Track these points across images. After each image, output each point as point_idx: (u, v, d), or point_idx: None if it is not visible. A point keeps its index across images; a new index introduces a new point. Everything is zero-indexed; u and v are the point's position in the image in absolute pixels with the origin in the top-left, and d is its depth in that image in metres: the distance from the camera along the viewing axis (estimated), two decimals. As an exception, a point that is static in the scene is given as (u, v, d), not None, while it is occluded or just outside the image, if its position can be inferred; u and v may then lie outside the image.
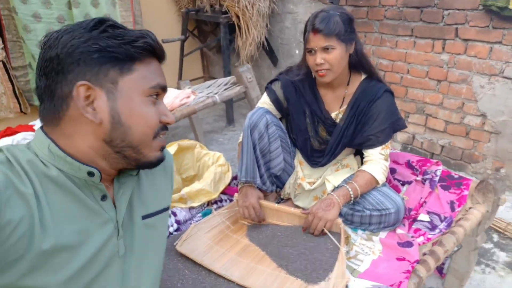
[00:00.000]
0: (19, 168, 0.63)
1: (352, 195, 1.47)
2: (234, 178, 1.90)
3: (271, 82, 1.66)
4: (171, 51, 3.77)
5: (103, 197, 0.72)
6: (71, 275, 0.66)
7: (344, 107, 1.55)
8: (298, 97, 1.59)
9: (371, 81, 1.53)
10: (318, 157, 1.65)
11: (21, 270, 0.60)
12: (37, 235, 0.61)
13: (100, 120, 0.66)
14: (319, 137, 1.61)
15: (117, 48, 0.65)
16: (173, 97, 2.26)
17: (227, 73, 3.38)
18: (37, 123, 2.40)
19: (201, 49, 4.01)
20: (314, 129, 1.61)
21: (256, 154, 1.56)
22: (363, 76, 1.55)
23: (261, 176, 1.61)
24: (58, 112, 0.67)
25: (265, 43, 3.55)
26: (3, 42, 2.70)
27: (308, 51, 1.44)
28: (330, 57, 1.39)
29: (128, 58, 0.67)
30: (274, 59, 3.76)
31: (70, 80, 0.65)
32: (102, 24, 0.66)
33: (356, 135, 1.53)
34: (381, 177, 1.50)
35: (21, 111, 2.89)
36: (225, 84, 2.69)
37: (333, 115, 1.57)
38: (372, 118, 1.50)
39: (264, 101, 1.67)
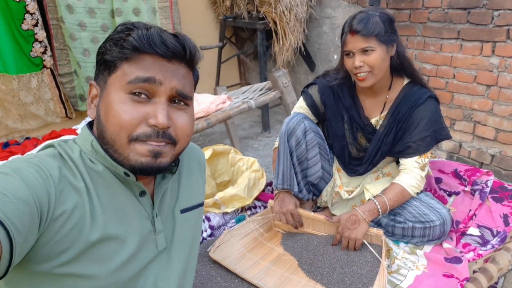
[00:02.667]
0: (71, 163, 0.67)
1: (380, 211, 1.38)
2: (269, 184, 1.87)
3: (308, 86, 1.61)
4: (209, 58, 3.81)
5: (141, 193, 0.75)
6: (118, 266, 0.69)
7: (385, 113, 1.47)
8: (336, 102, 1.52)
9: (414, 86, 1.43)
10: (356, 165, 1.57)
11: (65, 259, 0.62)
12: (87, 226, 0.64)
13: (93, 116, 0.71)
14: (358, 144, 1.54)
15: (108, 49, 0.68)
16: (209, 103, 2.27)
17: (264, 79, 3.36)
18: (79, 127, 2.48)
19: (238, 55, 4.03)
20: (352, 135, 1.53)
21: (293, 161, 1.51)
22: (406, 81, 1.46)
23: (297, 184, 1.56)
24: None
25: (303, 49, 3.51)
26: (51, 50, 2.84)
27: (346, 53, 1.36)
28: (369, 59, 1.31)
29: (115, 58, 0.67)
30: (311, 65, 3.70)
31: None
32: (119, 27, 0.70)
33: (396, 143, 1.45)
34: (413, 189, 1.41)
35: (67, 116, 3.01)
36: (261, 90, 2.66)
37: (373, 121, 1.49)
38: (413, 125, 1.40)
39: (300, 106, 1.62)
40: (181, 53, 0.69)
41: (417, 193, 1.44)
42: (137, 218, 0.73)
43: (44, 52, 2.76)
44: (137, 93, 0.66)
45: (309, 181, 1.61)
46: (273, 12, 3.23)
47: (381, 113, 1.48)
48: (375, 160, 1.51)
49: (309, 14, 3.43)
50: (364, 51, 1.31)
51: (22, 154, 2.09)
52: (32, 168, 0.61)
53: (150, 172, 0.68)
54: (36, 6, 2.63)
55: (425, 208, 1.40)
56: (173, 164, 0.77)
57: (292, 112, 1.63)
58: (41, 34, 2.70)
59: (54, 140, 0.71)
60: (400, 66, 1.41)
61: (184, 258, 0.83)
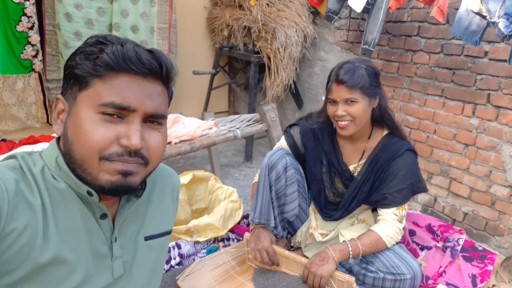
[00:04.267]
0: (30, 177, 0.64)
1: (351, 254, 1.40)
2: (245, 217, 1.85)
3: (290, 126, 1.64)
4: (201, 83, 3.85)
5: (102, 216, 0.71)
6: None
7: (363, 161, 1.50)
8: (316, 145, 1.55)
9: (394, 137, 1.47)
10: (331, 210, 1.58)
11: (11, 280, 0.59)
12: (38, 246, 0.60)
13: (60, 133, 0.68)
14: (335, 189, 1.55)
15: (80, 64, 0.65)
16: (195, 127, 2.26)
17: (252, 110, 3.40)
18: (59, 136, 2.43)
19: (229, 84, 4.09)
20: (330, 180, 1.55)
21: (271, 195, 1.51)
22: (386, 131, 1.50)
23: (274, 219, 1.55)
24: None
25: (293, 86, 3.59)
26: (43, 55, 2.81)
27: (329, 101, 1.40)
28: (352, 110, 1.35)
29: (88, 74, 0.64)
30: (299, 102, 3.78)
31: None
32: (91, 40, 0.67)
33: (372, 192, 1.47)
34: (390, 240, 1.43)
35: (48, 122, 2.95)
36: (248, 121, 2.69)
37: (351, 167, 1.51)
38: (390, 176, 1.43)
39: (282, 145, 1.64)
40: (157, 70, 0.67)
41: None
42: (92, 242, 0.69)
43: (35, 56, 2.74)
44: (109, 114, 0.64)
45: (285, 217, 1.60)
46: (268, 48, 3.31)
47: (359, 161, 1.51)
48: (351, 207, 1.52)
49: (302, 54, 3.53)
50: (348, 101, 1.35)
51: (-5, 156, 2.01)
52: None
53: (120, 192, 0.66)
54: (35, 10, 2.63)
55: (397, 260, 1.41)
56: (139, 187, 0.74)
57: (274, 147, 1.64)
58: (35, 37, 2.69)
59: (19, 151, 0.68)
60: (381, 117, 1.46)
61: (143, 286, 0.79)
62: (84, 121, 0.63)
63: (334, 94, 1.37)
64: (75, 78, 0.65)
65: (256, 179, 1.64)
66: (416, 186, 1.44)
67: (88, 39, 0.67)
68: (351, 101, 1.34)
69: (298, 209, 1.60)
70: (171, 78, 0.71)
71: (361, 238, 1.43)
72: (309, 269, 1.39)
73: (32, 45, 2.70)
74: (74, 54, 0.67)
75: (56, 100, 0.69)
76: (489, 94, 2.33)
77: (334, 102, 1.38)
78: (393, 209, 1.43)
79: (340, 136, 1.53)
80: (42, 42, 2.79)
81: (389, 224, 1.43)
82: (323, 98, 3.40)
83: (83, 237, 0.67)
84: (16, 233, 0.58)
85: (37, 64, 2.76)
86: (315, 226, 1.62)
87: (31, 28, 2.66)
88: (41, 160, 0.67)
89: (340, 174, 1.52)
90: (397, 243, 1.48)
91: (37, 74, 2.79)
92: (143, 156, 0.66)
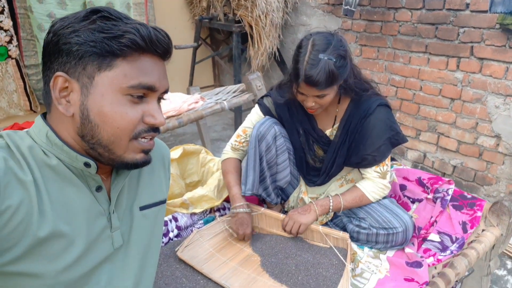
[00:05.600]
0: (18, 155, 0.63)
1: (331, 207, 1.46)
2: (239, 186, 1.86)
3: (262, 97, 1.61)
4: (183, 57, 3.78)
5: (98, 188, 0.72)
6: (68, 265, 0.66)
7: (337, 125, 1.49)
8: (291, 116, 1.53)
9: (362, 96, 1.42)
10: (314, 176, 1.59)
11: (12, 257, 0.59)
12: (35, 222, 0.61)
13: (71, 114, 0.65)
14: (315, 155, 1.56)
15: (98, 42, 0.62)
16: (181, 102, 2.24)
17: (238, 82, 3.37)
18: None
19: (212, 57, 4.02)
20: (308, 147, 1.55)
21: (262, 166, 1.51)
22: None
23: (266, 188, 1.56)
24: (48, 99, 0.67)
25: (277, 54, 3.54)
26: (18, 40, 2.72)
27: (298, 92, 1.34)
28: (322, 101, 1.34)
29: (109, 54, 0.63)
30: (285, 70, 3.74)
31: (53, 69, 0.65)
32: (94, 15, 0.63)
33: (350, 155, 1.46)
34: (374, 196, 1.46)
35: (31, 109, 2.90)
36: (234, 92, 2.66)
37: (327, 132, 1.51)
38: (365, 136, 1.41)
39: (257, 114, 1.58)
40: (170, 51, 0.70)
41: (382, 199, 1.48)
42: (90, 214, 0.70)
43: (10, 42, 2.65)
44: (137, 96, 0.66)
45: (278, 185, 1.62)
46: (249, 16, 3.25)
47: (333, 125, 1.50)
48: (332, 171, 1.52)
49: (284, 20, 3.47)
50: (318, 96, 1.32)
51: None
52: None
53: (141, 166, 0.71)
54: (3, -7, 2.52)
55: (389, 215, 1.44)
56: None
57: (249, 118, 1.61)
58: (7, 22, 2.59)
59: (3, 131, 0.66)
60: (348, 87, 1.39)
61: (141, 256, 0.81)
62: (110, 104, 0.64)
63: (303, 90, 1.32)
64: (90, 57, 0.63)
65: (224, 156, 1.62)
66: (394, 139, 1.42)
67: (83, 12, 0.64)
68: (321, 96, 1.32)
69: (290, 176, 1.62)
70: (171, 57, 0.74)
71: (345, 193, 1.48)
72: (290, 217, 1.45)
73: (5, 31, 2.60)
74: (80, 31, 0.62)
75: (55, 78, 0.64)
76: (472, 47, 2.34)
77: (303, 94, 1.34)
78: (373, 167, 1.45)
79: None
80: (15, 26, 2.69)
81: (371, 181, 1.46)
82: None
83: (80, 210, 0.68)
84: (11, 210, 0.58)
85: (13, 50, 2.68)
86: (305, 191, 1.64)
87: (1, 12, 2.56)
88: (28, 137, 0.66)
89: (317, 140, 1.52)
90: (386, 197, 1.52)
91: (14, 60, 2.71)
92: (159, 130, 0.72)
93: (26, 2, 2.63)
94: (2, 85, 2.70)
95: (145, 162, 0.71)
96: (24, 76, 2.78)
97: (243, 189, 1.51)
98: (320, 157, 1.56)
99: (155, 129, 0.70)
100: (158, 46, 0.66)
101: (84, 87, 0.64)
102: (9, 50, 2.66)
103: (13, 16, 2.66)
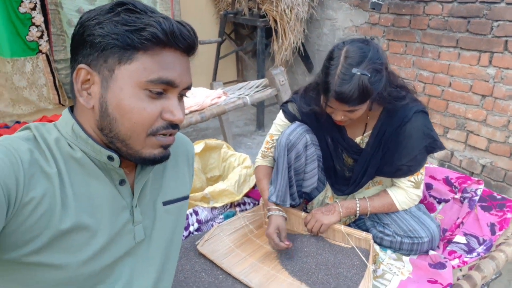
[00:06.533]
0: (45, 147, 0.64)
1: (358, 211, 1.41)
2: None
3: (286, 103, 1.53)
4: (207, 52, 3.79)
5: (121, 182, 0.72)
6: (89, 257, 0.66)
7: (369, 132, 1.40)
8: (318, 124, 1.45)
9: (397, 106, 1.32)
10: (343, 185, 1.52)
11: (34, 248, 0.60)
12: (57, 214, 0.62)
13: (91, 106, 0.66)
14: (344, 164, 1.49)
15: (120, 35, 0.61)
16: (204, 96, 2.25)
17: (261, 77, 3.35)
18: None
19: (236, 52, 4.02)
20: (337, 156, 1.48)
21: (290, 175, 1.45)
22: None
23: (292, 194, 1.51)
24: (73, 91, 0.67)
25: (302, 49, 3.50)
26: (48, 35, 2.80)
27: (327, 105, 1.26)
28: (353, 115, 1.25)
29: (130, 47, 0.62)
30: (309, 65, 3.70)
31: (77, 61, 0.65)
32: (119, 7, 0.63)
33: (384, 165, 1.38)
34: (404, 206, 1.41)
35: (60, 103, 2.98)
36: (257, 87, 2.65)
37: (357, 140, 1.43)
38: (400, 146, 1.32)
39: (280, 124, 1.52)
40: (194, 46, 0.68)
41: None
42: (113, 208, 0.70)
43: (41, 37, 2.73)
44: (156, 92, 0.65)
45: (303, 191, 1.57)
46: (274, 10, 3.22)
47: (364, 133, 1.42)
48: (362, 181, 1.46)
49: (310, 14, 3.42)
50: (349, 111, 1.24)
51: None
52: (1, 151, 0.58)
53: (159, 162, 0.70)
54: (35, -10, 2.60)
55: (415, 223, 1.38)
56: None
57: (274, 127, 1.55)
58: (38, 18, 2.67)
59: (31, 123, 0.68)
60: (382, 99, 1.29)
61: (163, 250, 0.81)
62: (129, 98, 0.63)
63: (332, 104, 1.24)
64: (111, 49, 0.62)
65: (258, 163, 1.58)
66: (431, 147, 1.34)
67: (110, 4, 0.64)
68: (352, 111, 1.24)
69: (316, 182, 1.57)
70: (195, 52, 0.72)
71: (373, 199, 1.42)
72: (312, 215, 1.42)
73: (37, 26, 2.69)
74: (103, 23, 0.62)
75: (78, 70, 0.64)
76: (506, 41, 2.23)
77: (332, 107, 1.26)
78: (408, 177, 1.38)
79: None
80: (46, 22, 2.77)
81: (404, 190, 1.39)
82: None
83: (103, 203, 0.69)
84: (34, 202, 0.59)
85: (44, 45, 2.76)
86: (330, 196, 1.60)
87: (34, 8, 2.64)
88: (55, 130, 0.67)
89: (347, 149, 1.44)
90: None
91: (44, 55, 2.79)
92: (179, 127, 0.70)
93: (56, -2, 2.71)
94: (32, 79, 2.79)
95: (163, 158, 0.70)
96: (54, 70, 2.87)
97: (268, 196, 1.46)
98: (350, 166, 1.48)
99: (174, 126, 0.68)
100: (181, 41, 0.64)
101: (104, 80, 0.64)
102: (40, 45, 2.74)
103: (44, 12, 2.74)
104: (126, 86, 0.63)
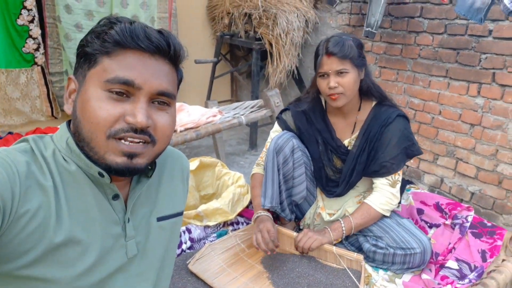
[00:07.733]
0: (41, 160, 0.64)
1: (344, 230, 1.45)
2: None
3: (281, 112, 1.66)
4: (203, 72, 3.84)
5: (115, 197, 0.71)
6: (82, 272, 0.65)
7: (356, 133, 1.51)
8: (309, 125, 1.57)
9: (383, 106, 1.50)
10: (333, 187, 1.60)
11: (27, 261, 0.59)
12: (52, 227, 0.61)
13: (70, 112, 0.69)
14: (333, 166, 1.57)
15: (89, 42, 0.65)
16: (199, 114, 2.26)
17: (255, 98, 3.39)
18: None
19: (231, 72, 4.07)
20: (327, 157, 1.57)
21: (279, 179, 1.52)
22: (374, 102, 1.52)
23: (281, 202, 1.55)
24: None
25: (295, 72, 3.57)
26: (45, 48, 2.81)
27: (320, 75, 1.42)
28: (344, 81, 1.37)
29: (97, 52, 0.65)
30: (302, 89, 3.76)
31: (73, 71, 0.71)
32: (102, 21, 0.67)
33: (370, 162, 1.48)
34: (382, 207, 1.45)
35: (53, 115, 2.96)
36: (252, 107, 2.68)
37: (345, 142, 1.53)
38: (384, 143, 1.45)
39: (276, 130, 1.65)
40: (165, 48, 0.66)
41: (391, 212, 1.48)
42: (105, 222, 0.69)
43: (37, 49, 2.73)
44: (115, 92, 0.64)
45: (293, 200, 1.60)
46: (270, 34, 3.29)
47: (352, 134, 1.53)
48: (351, 180, 1.53)
49: (304, 39, 3.51)
50: (339, 72, 1.37)
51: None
52: None
53: (126, 173, 0.66)
54: (34, 3, 2.62)
55: (406, 235, 1.42)
56: (149, 167, 0.75)
57: (271, 134, 1.66)
58: (35, 31, 2.68)
59: (29, 135, 0.68)
60: (368, 89, 1.48)
61: (156, 267, 0.79)
62: (91, 98, 0.63)
63: (325, 66, 1.38)
64: (85, 57, 0.66)
65: (254, 170, 1.65)
66: (410, 150, 1.46)
67: (101, 20, 0.68)
68: (343, 72, 1.37)
69: (306, 191, 1.61)
70: (180, 58, 0.71)
71: (354, 212, 1.48)
72: (304, 233, 1.45)
73: (34, 39, 2.69)
74: (86, 35, 0.67)
75: (68, 80, 0.69)
76: (494, 73, 2.32)
77: (326, 75, 1.39)
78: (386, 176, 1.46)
79: (331, 113, 1.55)
80: (43, 35, 2.78)
81: (380, 191, 1.45)
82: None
83: (96, 218, 0.68)
84: (29, 215, 0.58)
85: (39, 58, 2.76)
86: (322, 206, 1.63)
87: (32, 21, 2.65)
88: (52, 143, 0.68)
89: (336, 150, 1.54)
90: (404, 218, 1.50)
91: (39, 67, 2.79)
92: (150, 135, 0.66)
93: (55, 12, 2.72)
94: (26, 91, 2.77)
95: (129, 169, 0.65)
96: (48, 82, 2.86)
97: (262, 202, 1.51)
98: (339, 168, 1.56)
99: (135, 130, 0.64)
100: (143, 42, 0.64)
101: (79, 86, 0.67)
102: (36, 57, 2.74)
103: (42, 24, 2.75)
104: (90, 88, 0.65)
